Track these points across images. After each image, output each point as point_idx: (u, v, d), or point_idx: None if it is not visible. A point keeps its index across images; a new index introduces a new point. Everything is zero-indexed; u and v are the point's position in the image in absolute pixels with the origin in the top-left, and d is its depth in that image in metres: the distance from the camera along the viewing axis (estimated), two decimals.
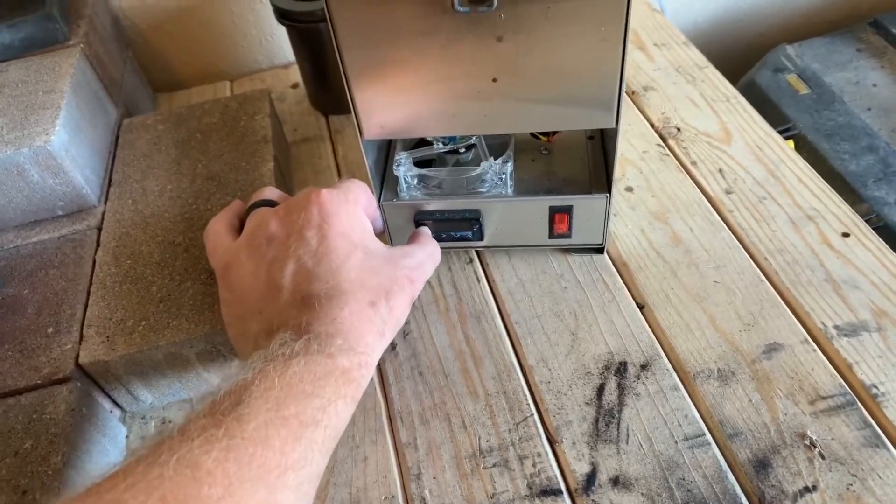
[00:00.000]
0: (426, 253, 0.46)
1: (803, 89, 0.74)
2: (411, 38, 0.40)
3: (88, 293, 0.48)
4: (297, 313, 0.36)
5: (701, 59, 0.73)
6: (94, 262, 0.51)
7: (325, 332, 0.34)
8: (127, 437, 0.48)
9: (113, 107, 0.63)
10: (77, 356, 0.44)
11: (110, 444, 0.45)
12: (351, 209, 0.42)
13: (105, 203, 0.55)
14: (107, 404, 0.47)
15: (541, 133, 0.53)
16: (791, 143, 0.64)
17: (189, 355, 0.46)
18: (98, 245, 0.52)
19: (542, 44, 0.40)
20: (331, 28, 0.40)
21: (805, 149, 0.62)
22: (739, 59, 0.89)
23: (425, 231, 0.50)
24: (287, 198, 0.47)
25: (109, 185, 0.57)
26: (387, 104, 0.44)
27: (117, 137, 0.62)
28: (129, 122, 0.63)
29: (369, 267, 0.39)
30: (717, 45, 0.89)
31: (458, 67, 0.41)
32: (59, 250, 0.52)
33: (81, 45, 0.60)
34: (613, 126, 0.44)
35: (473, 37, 0.40)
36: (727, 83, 0.70)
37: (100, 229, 0.53)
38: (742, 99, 0.67)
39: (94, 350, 0.44)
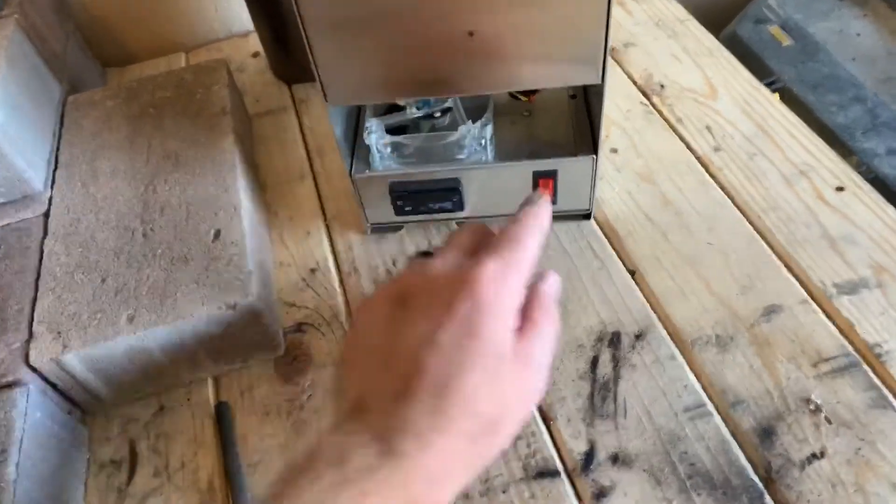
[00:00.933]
0: (541, 344, 0.35)
1: (786, 41, 0.72)
2: None
3: (37, 286, 0.44)
4: (392, 406, 0.31)
5: (681, 11, 0.70)
6: (41, 251, 0.47)
7: (411, 459, 0.30)
8: (90, 437, 0.44)
9: (56, 83, 0.58)
10: (27, 355, 0.40)
11: (72, 447, 0.42)
12: (507, 300, 0.34)
13: (52, 188, 0.51)
14: (64, 405, 0.43)
15: (521, 93, 0.50)
16: (776, 96, 0.62)
17: (152, 349, 0.42)
18: (46, 233, 0.48)
19: None
20: None
21: (791, 102, 0.60)
22: (719, 11, 0.86)
23: (543, 294, 0.37)
24: (487, 234, 0.39)
25: (56, 167, 0.52)
26: (353, 66, 0.40)
27: (62, 116, 0.57)
28: (75, 100, 0.58)
29: (487, 389, 0.32)
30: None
31: (431, 21, 0.38)
32: (3, 241, 0.47)
33: (16, 16, 0.55)
34: (599, 82, 0.41)
35: None
36: (710, 36, 0.67)
37: (47, 216, 0.49)
38: (726, 52, 0.64)
39: (46, 348, 0.40)
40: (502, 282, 0.34)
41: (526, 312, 0.36)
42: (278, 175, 0.60)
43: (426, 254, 0.39)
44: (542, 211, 0.38)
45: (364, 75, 0.41)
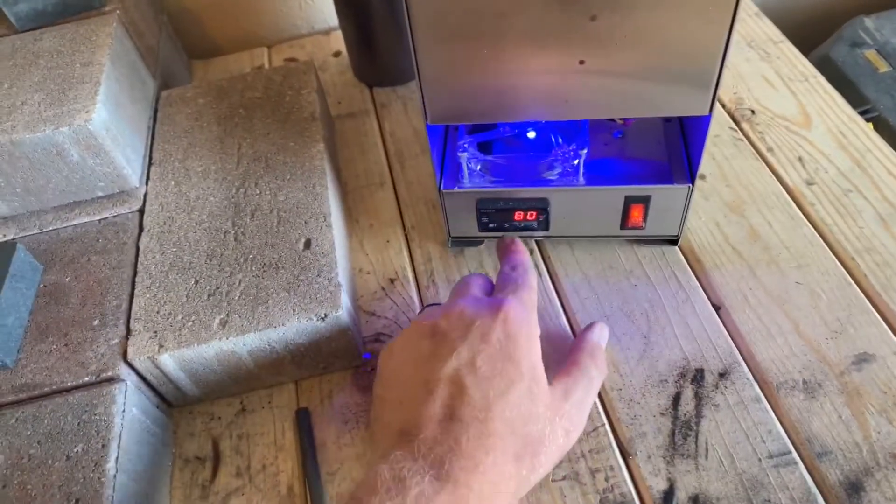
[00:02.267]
0: (586, 383, 0.38)
1: (883, 67, 0.69)
2: (492, 17, 0.36)
3: (133, 283, 0.46)
4: (440, 431, 0.32)
5: (775, 32, 0.68)
6: (137, 248, 0.48)
7: (464, 483, 0.31)
8: (174, 433, 0.46)
9: (150, 77, 0.60)
10: (125, 352, 0.42)
11: (160, 443, 0.43)
12: (532, 330, 0.37)
13: (146, 184, 0.52)
14: (153, 399, 0.45)
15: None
16: (870, 125, 0.59)
17: (241, 353, 0.43)
18: (141, 229, 0.49)
19: (640, 24, 0.36)
20: (405, 6, 0.36)
21: (886, 133, 0.57)
22: (808, 31, 0.83)
23: (590, 341, 0.41)
24: (490, 281, 0.43)
25: (150, 164, 0.54)
26: (459, 88, 0.40)
27: (155, 111, 0.58)
28: (168, 95, 0.59)
29: (526, 410, 0.34)
30: (785, 16, 0.83)
31: (543, 48, 0.37)
32: (101, 234, 0.49)
33: (118, 12, 0.56)
34: (707, 113, 0.40)
35: (563, 15, 0.36)
36: (805, 60, 0.64)
37: (142, 212, 0.50)
38: (822, 78, 0.62)
39: (143, 347, 0.42)
40: (524, 314, 0.38)
41: (572, 355, 0.41)
42: (358, 179, 0.60)
43: (436, 304, 0.41)
44: (525, 255, 0.43)
45: (468, 97, 0.41)
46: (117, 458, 0.38)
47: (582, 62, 0.38)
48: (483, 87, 0.40)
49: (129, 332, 0.43)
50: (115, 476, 0.37)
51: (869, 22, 0.74)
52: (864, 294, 0.47)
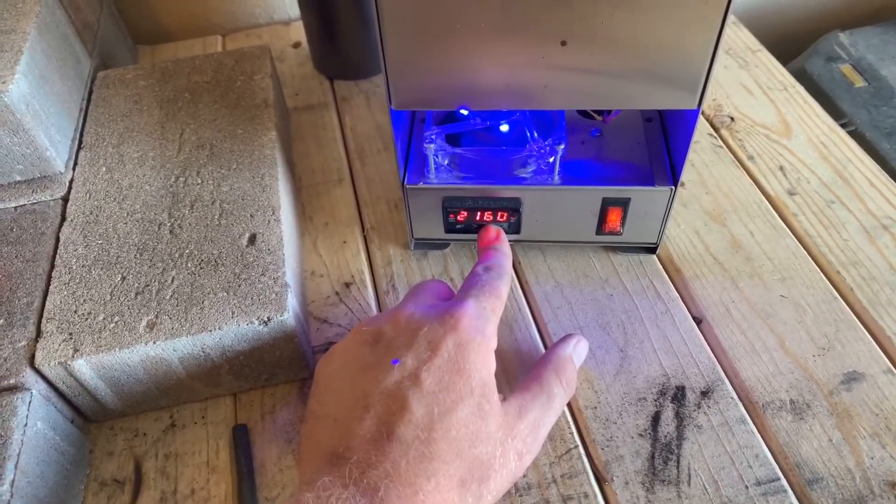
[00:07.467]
0: (544, 401, 0.34)
1: (859, 82, 0.68)
2: None
3: (49, 278, 0.40)
4: (375, 452, 0.28)
5: (753, 41, 0.66)
6: (57, 239, 0.42)
7: None
8: (91, 451, 0.40)
9: (86, 56, 0.54)
10: (33, 356, 0.36)
11: (70, 463, 0.37)
12: (487, 342, 0.33)
13: (73, 169, 0.46)
14: (67, 412, 0.39)
15: (596, 111, 0.45)
16: None
17: (171, 360, 0.38)
18: (63, 219, 0.43)
19: (629, 1, 0.32)
20: None
21: (863, 147, 0.55)
22: (787, 43, 0.82)
23: (560, 356, 0.37)
24: (448, 288, 0.39)
25: (79, 147, 0.48)
26: (427, 68, 0.36)
27: (90, 92, 0.52)
28: (105, 76, 0.54)
29: (475, 429, 0.30)
30: (760, 31, 0.81)
31: (522, 26, 0.34)
32: (16, 223, 0.43)
33: None
34: (696, 107, 0.37)
35: None
36: (783, 70, 0.63)
37: (66, 200, 0.45)
38: (801, 88, 0.60)
39: (54, 350, 0.36)
40: (483, 321, 0.33)
41: (535, 369, 0.36)
42: (314, 175, 0.56)
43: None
44: (506, 258, 0.39)
45: (438, 79, 0.37)
46: (13, 480, 0.32)
47: (564, 43, 0.34)
48: (455, 66, 0.36)
49: (39, 333, 0.37)
50: (8, 502, 0.31)
51: (844, 37, 0.73)
52: (850, 309, 0.45)
